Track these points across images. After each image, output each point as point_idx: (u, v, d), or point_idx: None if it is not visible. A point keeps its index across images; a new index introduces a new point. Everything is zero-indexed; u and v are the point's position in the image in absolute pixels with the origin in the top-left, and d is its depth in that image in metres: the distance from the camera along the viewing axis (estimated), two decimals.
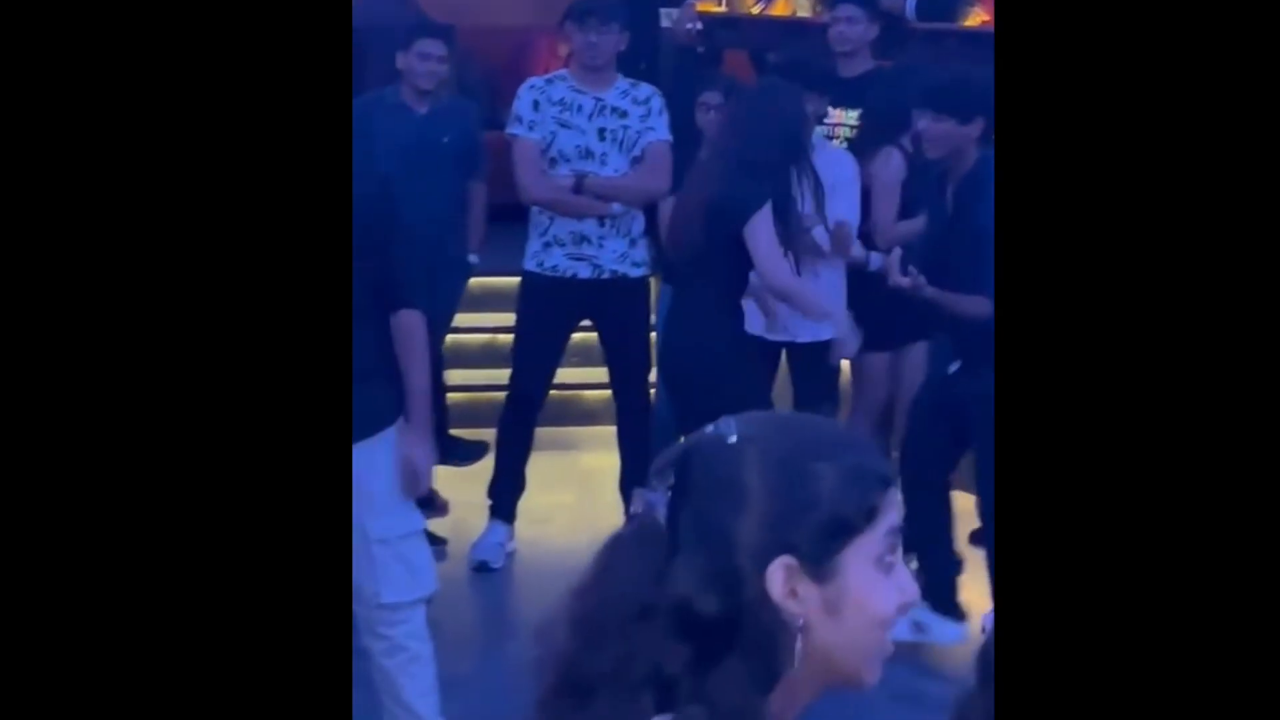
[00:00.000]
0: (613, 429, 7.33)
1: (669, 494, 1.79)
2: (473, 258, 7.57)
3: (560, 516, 7.29)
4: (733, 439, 1.80)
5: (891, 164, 6.96)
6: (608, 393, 7.46)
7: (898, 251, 6.40)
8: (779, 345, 6.99)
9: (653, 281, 7.45)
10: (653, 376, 7.21)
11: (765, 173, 6.07)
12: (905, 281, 6.18)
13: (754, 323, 6.93)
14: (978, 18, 10.14)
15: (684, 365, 6.25)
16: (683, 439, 1.85)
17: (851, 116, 7.31)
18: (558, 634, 1.79)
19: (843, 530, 1.78)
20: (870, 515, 1.79)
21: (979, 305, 5.91)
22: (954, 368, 6.29)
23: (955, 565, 6.42)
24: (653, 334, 7.33)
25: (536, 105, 7.11)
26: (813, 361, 7.02)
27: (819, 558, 1.77)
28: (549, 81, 7.26)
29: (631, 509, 1.83)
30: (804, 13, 9.45)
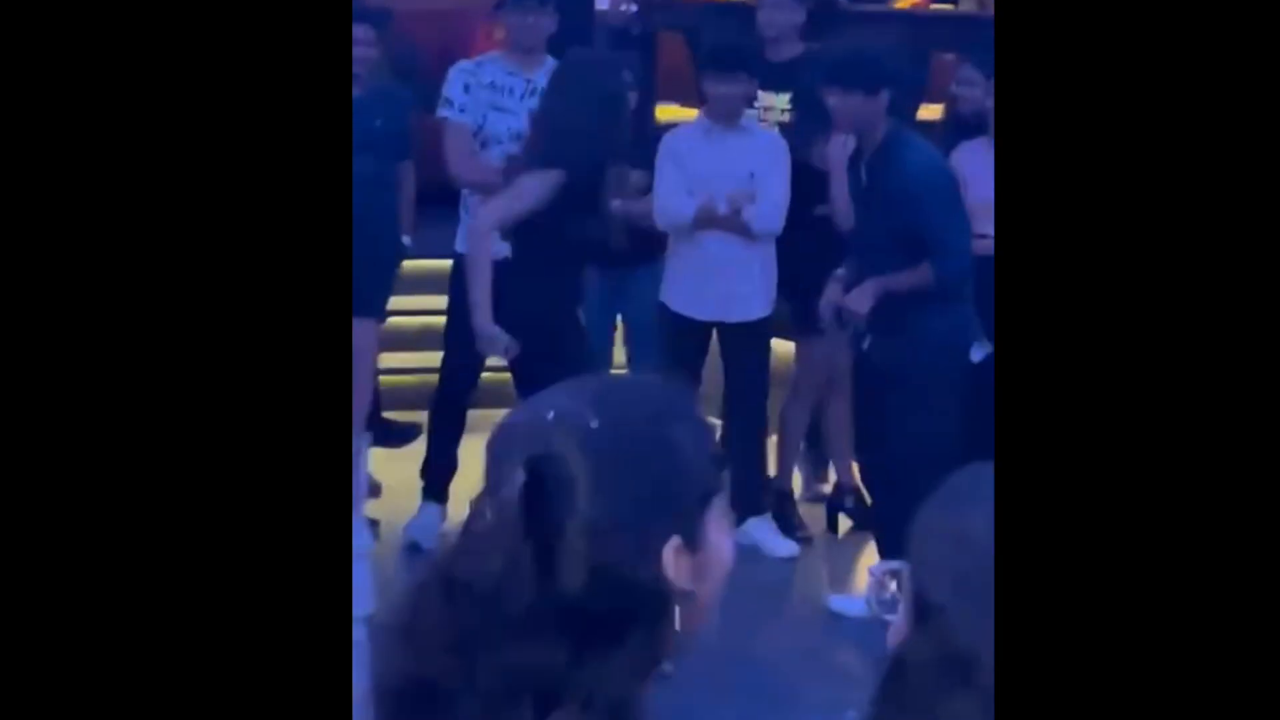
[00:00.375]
0: None
1: (523, 490, 1.69)
2: (405, 240, 7.56)
3: None
4: (593, 423, 1.69)
5: (847, 148, 6.97)
6: None
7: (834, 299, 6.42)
8: (708, 325, 7.00)
9: None
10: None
11: (580, 148, 6.02)
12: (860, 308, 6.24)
13: (680, 301, 6.96)
14: None
15: (526, 345, 6.15)
16: (514, 425, 1.75)
17: (782, 100, 7.33)
18: (402, 634, 1.68)
19: (708, 493, 1.73)
20: (721, 469, 1.74)
21: (919, 276, 5.98)
22: (866, 344, 6.33)
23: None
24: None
25: (467, 88, 7.11)
26: (744, 343, 7.03)
27: (693, 526, 1.71)
28: (479, 64, 7.25)
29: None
30: None
